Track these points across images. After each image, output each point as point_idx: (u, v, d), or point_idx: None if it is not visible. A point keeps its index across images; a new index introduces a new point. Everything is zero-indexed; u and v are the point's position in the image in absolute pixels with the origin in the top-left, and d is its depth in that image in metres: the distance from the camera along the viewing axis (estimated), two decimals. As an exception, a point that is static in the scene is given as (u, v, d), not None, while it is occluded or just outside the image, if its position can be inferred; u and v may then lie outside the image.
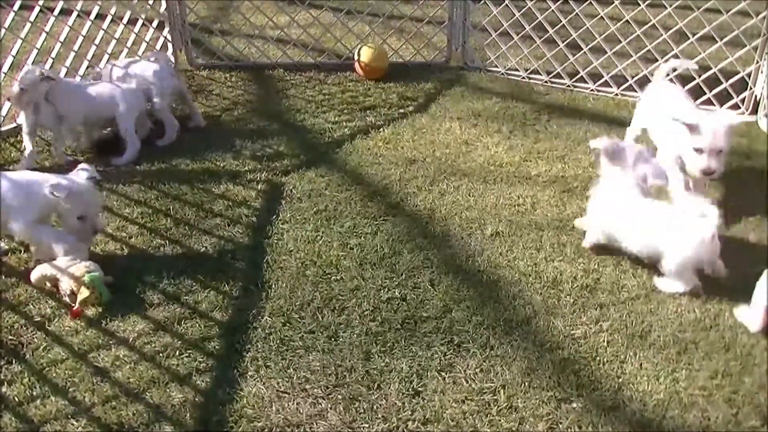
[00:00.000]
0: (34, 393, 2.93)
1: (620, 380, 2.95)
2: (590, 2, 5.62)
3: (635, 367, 3.02)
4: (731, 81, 5.20)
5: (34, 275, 3.50)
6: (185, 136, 5.09)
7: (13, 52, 5.24)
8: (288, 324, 3.28)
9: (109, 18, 5.90)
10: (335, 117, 5.42)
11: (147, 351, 3.14)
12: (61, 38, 5.52)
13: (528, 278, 3.55)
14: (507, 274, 3.60)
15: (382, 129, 5.20)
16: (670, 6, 5.34)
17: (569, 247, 3.77)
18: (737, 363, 3.04)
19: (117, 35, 5.95)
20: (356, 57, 6.10)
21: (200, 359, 3.09)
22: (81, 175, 3.64)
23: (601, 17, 5.63)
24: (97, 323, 3.30)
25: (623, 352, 3.10)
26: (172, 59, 6.30)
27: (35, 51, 5.27)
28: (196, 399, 2.89)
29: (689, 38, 5.32)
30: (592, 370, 3.00)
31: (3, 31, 5.13)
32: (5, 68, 5.21)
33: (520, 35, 5.97)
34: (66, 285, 3.41)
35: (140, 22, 6.15)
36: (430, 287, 3.50)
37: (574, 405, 2.84)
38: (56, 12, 5.49)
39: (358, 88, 5.94)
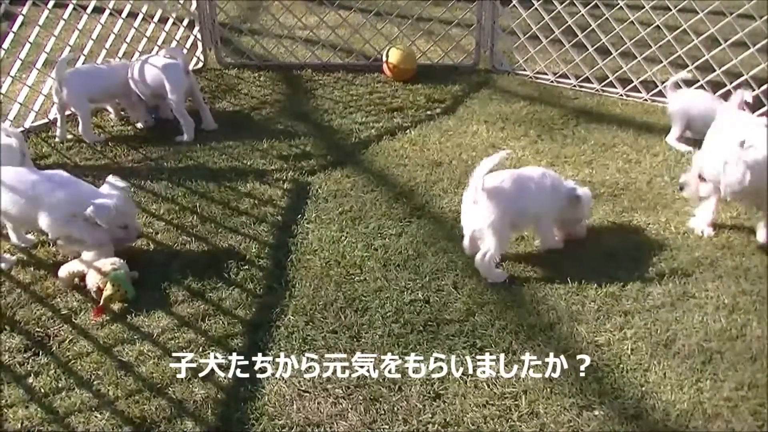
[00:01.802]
0: (60, 385, 2.97)
1: (643, 389, 2.92)
2: (620, 6, 5.58)
3: (659, 375, 2.98)
4: (763, 87, 5.11)
5: (62, 273, 3.54)
6: (212, 135, 5.13)
7: (47, 49, 5.32)
8: (311, 323, 3.30)
9: (140, 16, 5.98)
10: (362, 118, 5.43)
11: (171, 346, 3.17)
12: (94, 35, 5.60)
13: (552, 283, 3.53)
14: (531, 278, 3.58)
15: (408, 131, 5.20)
16: (702, 11, 5.28)
17: (594, 253, 3.74)
18: (764, 374, 2.99)
19: (148, 33, 6.02)
20: (385, 58, 6.11)
21: (223, 356, 3.11)
22: (116, 186, 3.66)
23: (632, 22, 5.58)
24: (122, 318, 3.34)
25: (647, 360, 3.06)
26: (202, 57, 6.37)
27: (68, 48, 5.35)
28: (218, 396, 2.92)
29: (721, 44, 5.26)
30: (615, 378, 2.97)
31: (37, 28, 5.22)
32: (39, 64, 5.30)
33: (549, 39, 5.94)
34: (92, 282, 3.45)
35: (171, 20, 6.21)
36: (453, 290, 3.50)
37: (596, 412, 2.82)
38: (89, 10, 5.58)
39: (386, 89, 5.95)
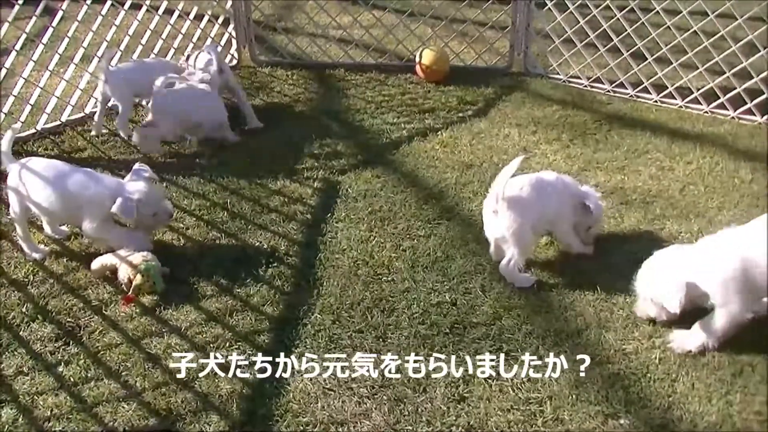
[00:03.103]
0: (89, 375, 3.02)
1: (671, 399, 2.89)
2: (657, 11, 5.51)
3: (687, 386, 2.95)
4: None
5: (95, 265, 3.59)
6: (245, 131, 5.17)
7: (85, 44, 5.40)
8: (337, 322, 3.31)
9: (176, 13, 6.04)
10: (394, 118, 5.44)
11: (198, 341, 3.20)
12: (130, 31, 5.67)
13: (581, 289, 3.50)
14: (559, 284, 3.55)
15: (440, 132, 5.19)
16: (741, 17, 5.20)
17: (624, 261, 3.69)
18: (796, 389, 2.94)
19: (183, 30, 6.08)
20: (417, 59, 6.10)
21: (249, 352, 3.13)
22: (141, 175, 3.69)
23: (668, 27, 5.51)
24: (151, 311, 3.38)
25: (675, 370, 3.03)
26: (236, 55, 6.42)
27: (105, 43, 5.42)
28: (244, 391, 2.94)
29: (760, 51, 5.17)
30: (642, 387, 2.94)
31: (76, 23, 5.30)
32: (77, 59, 5.38)
33: (583, 43, 5.88)
34: (123, 273, 3.50)
35: (206, 18, 6.27)
36: (481, 293, 3.49)
37: (622, 421, 2.79)
38: (126, 6, 5.64)
39: (418, 90, 5.95)
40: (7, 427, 2.77)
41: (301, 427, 2.78)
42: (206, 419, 2.81)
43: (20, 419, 2.81)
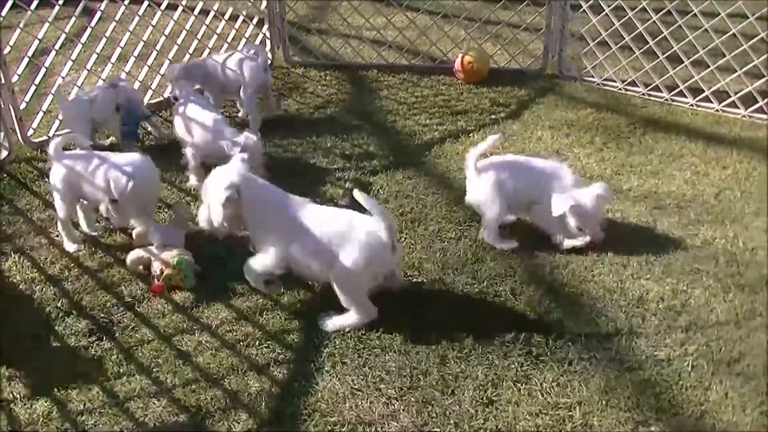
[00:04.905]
0: (121, 370, 3.06)
1: (703, 407, 2.85)
2: (694, 14, 5.43)
3: (720, 395, 2.90)
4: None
5: (130, 258, 3.65)
6: (276, 131, 5.19)
7: (122, 44, 5.47)
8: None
9: (211, 14, 6.10)
10: (426, 120, 5.43)
11: (228, 339, 3.23)
12: (166, 32, 5.74)
13: (612, 295, 3.47)
14: (591, 288, 3.52)
15: (472, 134, 5.17)
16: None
17: (658, 266, 3.66)
18: (832, 399, 2.88)
19: (218, 30, 6.13)
20: (459, 60, 6.07)
21: (279, 351, 3.16)
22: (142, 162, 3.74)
23: (705, 29, 5.42)
24: (183, 308, 3.42)
25: (708, 378, 2.98)
26: (269, 55, 6.46)
27: (141, 43, 5.49)
28: (273, 389, 2.96)
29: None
30: (674, 395, 2.91)
31: (113, 23, 5.37)
32: (114, 58, 5.45)
33: (618, 45, 5.82)
34: (157, 266, 3.55)
35: (241, 18, 6.32)
36: (511, 296, 3.47)
37: (653, 429, 2.76)
38: (163, 6, 5.71)
39: (451, 92, 5.93)
40: (41, 419, 2.82)
41: (329, 427, 2.79)
42: (235, 417, 2.83)
43: (54, 412, 2.86)
